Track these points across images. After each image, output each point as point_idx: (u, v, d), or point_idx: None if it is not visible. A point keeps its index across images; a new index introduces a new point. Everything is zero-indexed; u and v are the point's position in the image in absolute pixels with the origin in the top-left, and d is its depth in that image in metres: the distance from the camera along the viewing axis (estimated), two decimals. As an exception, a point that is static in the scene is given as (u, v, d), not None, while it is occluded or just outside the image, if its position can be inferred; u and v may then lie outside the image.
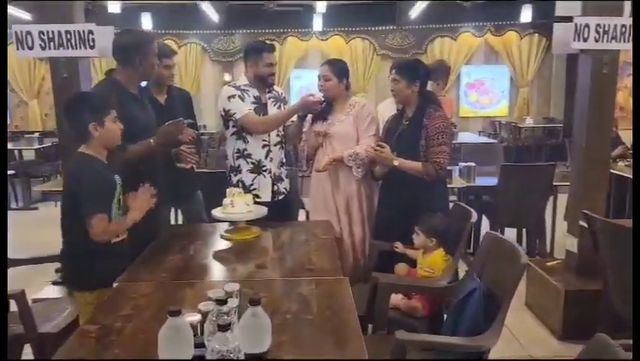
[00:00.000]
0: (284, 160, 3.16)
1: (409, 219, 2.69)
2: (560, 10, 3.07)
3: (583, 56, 3.11)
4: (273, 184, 3.03)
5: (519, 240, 4.68)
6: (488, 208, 4.28)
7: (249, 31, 9.51)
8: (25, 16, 6.03)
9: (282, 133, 3.10)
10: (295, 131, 3.13)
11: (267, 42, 3.16)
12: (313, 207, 3.23)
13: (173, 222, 3.64)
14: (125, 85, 2.53)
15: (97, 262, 2.10)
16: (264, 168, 2.99)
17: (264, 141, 2.98)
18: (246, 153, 2.98)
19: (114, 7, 7.14)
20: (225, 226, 2.69)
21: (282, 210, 3.04)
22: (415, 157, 2.72)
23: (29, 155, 7.58)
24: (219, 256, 2.39)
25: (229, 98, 2.91)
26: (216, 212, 2.62)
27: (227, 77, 9.77)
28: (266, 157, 2.99)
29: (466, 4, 8.17)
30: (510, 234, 4.68)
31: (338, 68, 3.04)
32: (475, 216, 2.40)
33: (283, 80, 9.59)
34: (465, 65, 10.01)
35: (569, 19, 3.00)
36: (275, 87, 3.12)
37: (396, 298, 2.41)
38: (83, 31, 2.86)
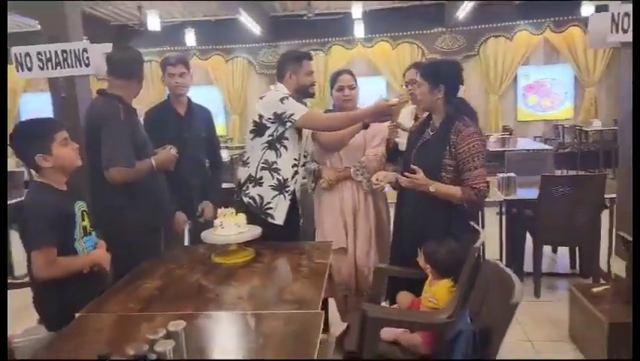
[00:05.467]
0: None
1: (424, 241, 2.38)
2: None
3: (624, 50, 2.67)
4: (295, 207, 2.83)
5: (572, 259, 4.20)
6: (531, 224, 3.83)
7: (292, 42, 9.36)
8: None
9: (308, 153, 2.91)
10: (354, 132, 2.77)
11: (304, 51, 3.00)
12: (320, 222, 3.02)
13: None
14: (127, 100, 2.50)
15: (70, 299, 1.93)
16: (287, 189, 2.73)
17: (295, 160, 2.74)
18: (274, 166, 2.70)
19: (154, 25, 6.98)
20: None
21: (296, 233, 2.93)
22: (436, 175, 2.32)
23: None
24: (200, 283, 2.20)
25: (282, 100, 2.62)
26: (206, 234, 2.48)
27: (273, 89, 9.72)
28: (292, 177, 2.74)
29: (518, 2, 7.54)
30: (565, 252, 4.24)
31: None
32: (481, 239, 2.06)
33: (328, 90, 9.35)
34: (522, 66, 9.34)
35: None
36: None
37: (397, 331, 2.13)
38: (78, 50, 2.83)
